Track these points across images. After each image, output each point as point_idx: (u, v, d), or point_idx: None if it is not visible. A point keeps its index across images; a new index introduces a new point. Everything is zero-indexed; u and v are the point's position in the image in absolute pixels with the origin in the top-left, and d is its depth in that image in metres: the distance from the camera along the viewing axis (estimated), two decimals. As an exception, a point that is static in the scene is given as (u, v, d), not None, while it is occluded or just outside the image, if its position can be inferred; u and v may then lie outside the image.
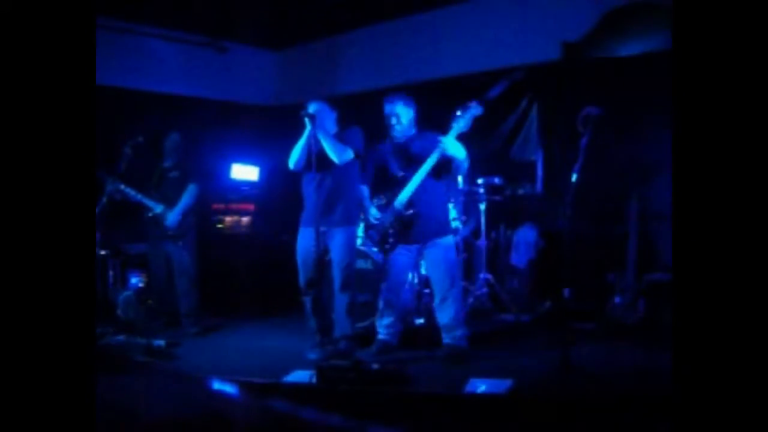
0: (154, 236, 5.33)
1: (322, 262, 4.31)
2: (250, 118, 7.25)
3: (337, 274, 4.26)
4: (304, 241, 4.26)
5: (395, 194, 4.09)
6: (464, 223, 5.43)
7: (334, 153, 4.11)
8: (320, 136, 4.09)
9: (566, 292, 5.16)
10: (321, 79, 7.14)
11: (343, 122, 4.45)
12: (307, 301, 4.30)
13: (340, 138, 4.21)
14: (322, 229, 4.11)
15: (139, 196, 5.17)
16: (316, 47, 7.35)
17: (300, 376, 3.70)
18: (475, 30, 6.10)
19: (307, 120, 4.08)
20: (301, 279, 4.27)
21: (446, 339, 4.17)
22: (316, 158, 4.07)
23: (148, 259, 5.54)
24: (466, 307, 5.02)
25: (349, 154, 4.17)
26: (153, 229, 5.30)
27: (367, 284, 4.85)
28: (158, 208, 5.20)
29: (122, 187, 5.03)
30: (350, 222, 4.31)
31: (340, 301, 4.26)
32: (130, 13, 6.14)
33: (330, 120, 4.31)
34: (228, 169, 6.51)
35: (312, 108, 4.17)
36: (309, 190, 4.29)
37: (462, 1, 6.15)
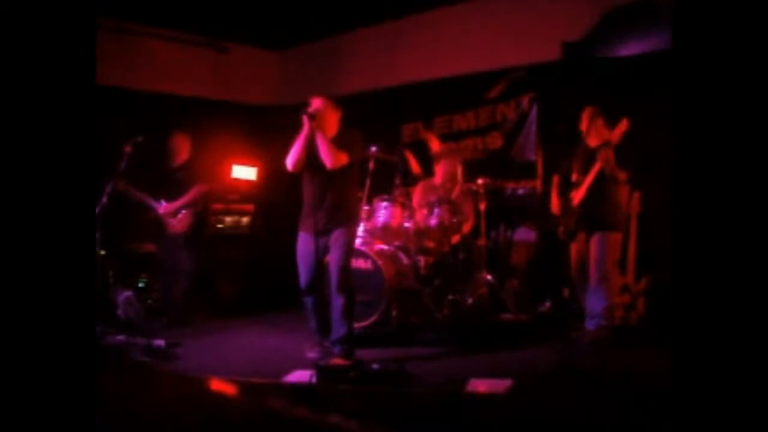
0: (156, 236, 5.34)
1: (322, 264, 4.27)
2: (250, 118, 7.24)
3: (334, 275, 4.21)
4: (304, 244, 4.19)
5: None
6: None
7: (327, 157, 3.99)
8: (317, 138, 4.00)
9: (566, 292, 5.17)
10: (321, 79, 7.14)
11: (344, 123, 4.41)
12: (308, 301, 4.26)
13: (339, 139, 4.11)
14: (321, 233, 4.07)
15: (140, 196, 5.17)
16: (316, 47, 7.35)
17: (300, 376, 3.70)
18: (475, 30, 6.10)
19: (306, 119, 4.00)
20: (302, 281, 4.24)
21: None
22: (315, 160, 4.02)
23: (150, 258, 5.54)
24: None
25: (343, 160, 4.04)
26: (155, 228, 5.31)
27: (367, 284, 4.84)
28: (160, 208, 5.21)
29: (122, 186, 5.03)
30: (350, 223, 4.24)
31: (337, 303, 4.20)
32: (130, 13, 6.14)
33: (332, 119, 4.19)
34: (228, 169, 6.51)
35: (314, 106, 4.09)
36: (308, 191, 4.24)
37: (462, 1, 6.15)
